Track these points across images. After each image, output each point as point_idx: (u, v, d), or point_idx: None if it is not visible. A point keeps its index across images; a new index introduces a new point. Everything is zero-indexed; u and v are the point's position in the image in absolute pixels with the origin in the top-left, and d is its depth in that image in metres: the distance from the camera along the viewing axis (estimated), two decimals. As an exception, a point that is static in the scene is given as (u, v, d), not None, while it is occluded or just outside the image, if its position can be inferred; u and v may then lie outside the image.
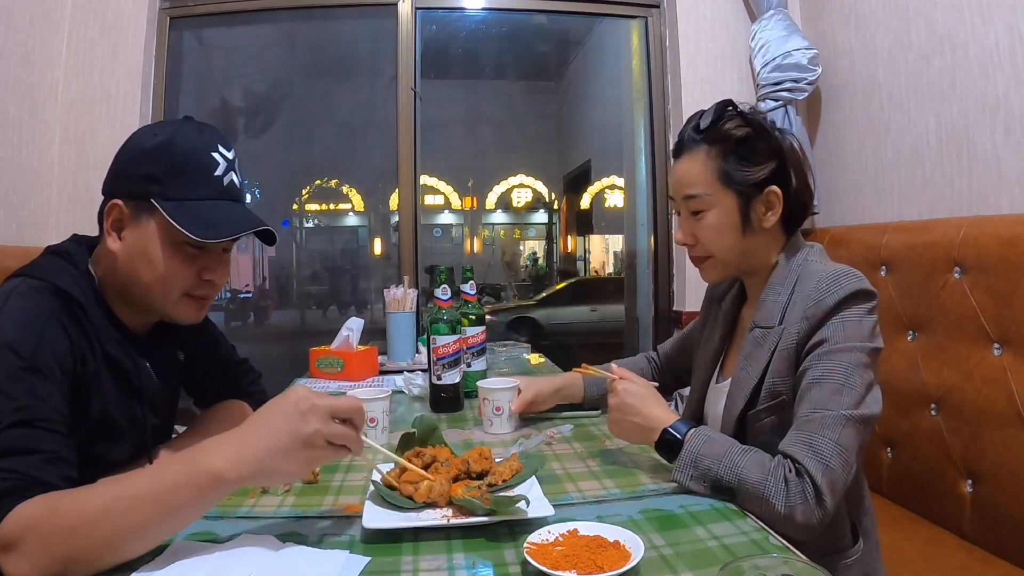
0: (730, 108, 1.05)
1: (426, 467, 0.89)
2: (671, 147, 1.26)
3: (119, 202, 0.90)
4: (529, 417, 1.30)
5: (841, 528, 0.98)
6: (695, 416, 1.18)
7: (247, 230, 0.93)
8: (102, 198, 0.92)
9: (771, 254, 1.07)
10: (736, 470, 0.87)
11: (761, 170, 1.03)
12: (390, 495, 0.83)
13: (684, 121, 1.09)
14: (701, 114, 1.07)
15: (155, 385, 0.99)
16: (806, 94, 2.24)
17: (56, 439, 0.75)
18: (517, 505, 0.77)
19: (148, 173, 0.89)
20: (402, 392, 1.55)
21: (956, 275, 1.42)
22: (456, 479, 0.89)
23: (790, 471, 0.85)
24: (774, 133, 1.05)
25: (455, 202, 9.09)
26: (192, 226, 0.87)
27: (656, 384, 1.10)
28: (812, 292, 0.97)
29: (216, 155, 0.92)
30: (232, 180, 0.95)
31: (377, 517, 0.77)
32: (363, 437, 0.78)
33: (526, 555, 0.66)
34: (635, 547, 0.67)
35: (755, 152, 1.03)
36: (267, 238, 0.98)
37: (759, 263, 1.08)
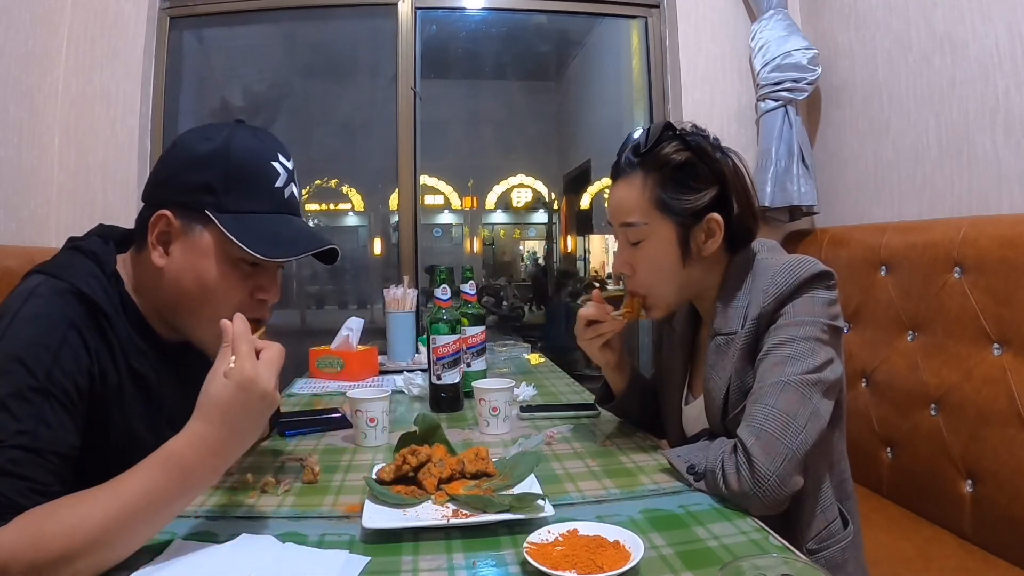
0: (669, 131, 1.00)
1: (420, 465, 0.89)
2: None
3: (167, 213, 0.82)
4: (528, 417, 1.30)
5: (831, 512, 0.98)
6: (680, 441, 1.14)
7: (316, 248, 0.87)
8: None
9: (715, 278, 1.04)
10: (707, 455, 0.90)
11: (701, 197, 0.99)
12: (384, 493, 0.83)
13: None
14: (639, 135, 1.03)
15: (177, 400, 0.90)
16: (806, 94, 2.24)
17: (51, 472, 0.69)
18: (536, 503, 0.77)
19: (202, 182, 0.82)
20: (402, 392, 1.55)
21: (956, 275, 1.41)
22: (451, 479, 0.89)
23: (732, 449, 0.87)
24: (716, 155, 1.00)
25: (455, 202, 9.07)
26: (255, 243, 0.81)
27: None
28: (768, 287, 0.95)
29: (276, 164, 0.86)
30: (292, 193, 0.89)
31: (377, 517, 0.77)
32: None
33: (526, 555, 0.66)
34: (635, 547, 0.67)
35: (695, 178, 0.99)
36: (329, 256, 0.91)
37: (703, 288, 1.06)
